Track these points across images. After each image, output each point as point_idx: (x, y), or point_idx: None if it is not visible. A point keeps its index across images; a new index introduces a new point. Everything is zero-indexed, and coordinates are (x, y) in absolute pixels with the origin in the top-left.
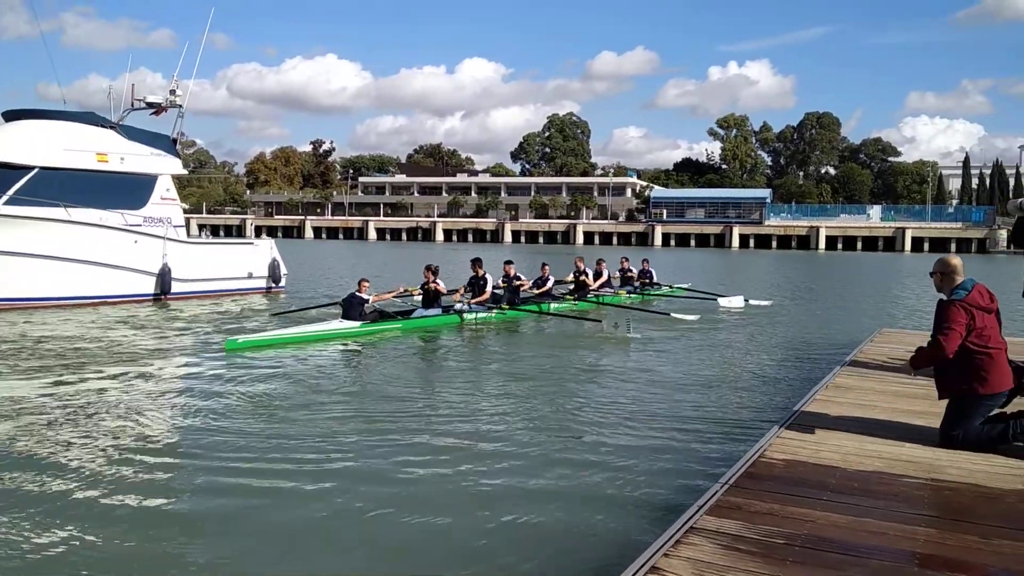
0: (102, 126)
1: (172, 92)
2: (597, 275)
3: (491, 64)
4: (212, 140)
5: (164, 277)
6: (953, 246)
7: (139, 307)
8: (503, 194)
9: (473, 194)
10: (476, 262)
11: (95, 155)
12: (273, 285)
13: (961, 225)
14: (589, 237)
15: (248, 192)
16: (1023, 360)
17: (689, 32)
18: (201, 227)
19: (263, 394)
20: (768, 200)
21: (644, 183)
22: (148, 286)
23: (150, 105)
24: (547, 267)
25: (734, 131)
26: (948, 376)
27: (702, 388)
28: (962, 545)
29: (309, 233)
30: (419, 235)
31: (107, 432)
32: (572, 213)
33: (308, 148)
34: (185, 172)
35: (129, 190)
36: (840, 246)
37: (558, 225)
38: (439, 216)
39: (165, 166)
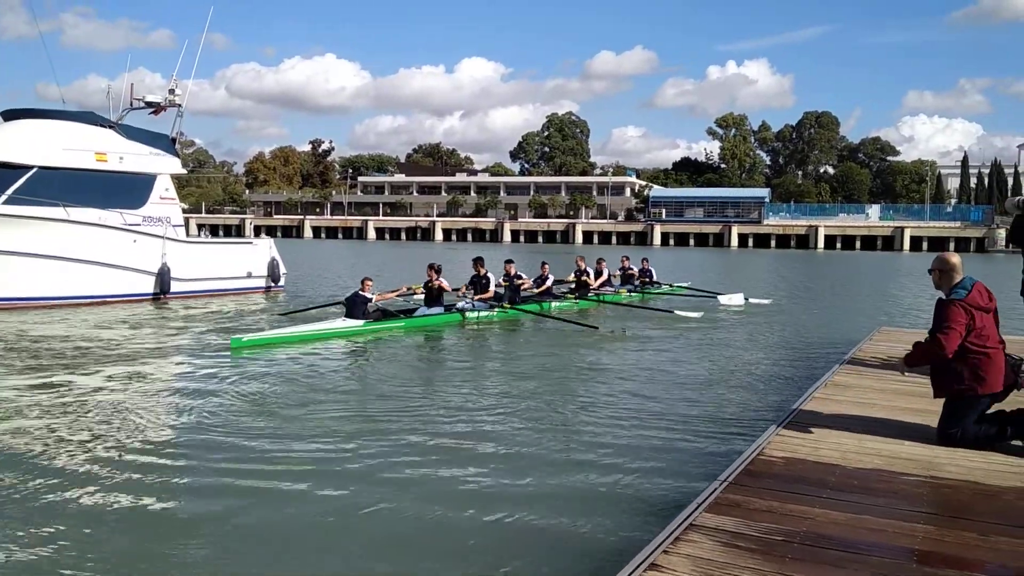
0: (101, 126)
1: (171, 92)
2: (598, 274)
3: (490, 64)
4: (211, 140)
5: (163, 277)
6: (952, 245)
7: (138, 307)
8: (502, 193)
9: (472, 193)
10: (478, 261)
11: (94, 154)
12: (272, 284)
13: (959, 224)
14: (588, 236)
15: (247, 192)
16: (1020, 356)
17: (688, 31)
18: (200, 227)
19: (267, 393)
20: (767, 199)
21: (643, 182)
22: (147, 286)
23: (149, 105)
24: (547, 266)
25: (733, 130)
26: (946, 376)
27: (701, 386)
28: (960, 542)
29: (308, 233)
30: (418, 235)
31: (109, 431)
32: (571, 212)
33: (307, 148)
34: (184, 172)
35: (128, 189)
36: (839, 245)
37: (557, 224)
38: (438, 216)
39: (164, 166)
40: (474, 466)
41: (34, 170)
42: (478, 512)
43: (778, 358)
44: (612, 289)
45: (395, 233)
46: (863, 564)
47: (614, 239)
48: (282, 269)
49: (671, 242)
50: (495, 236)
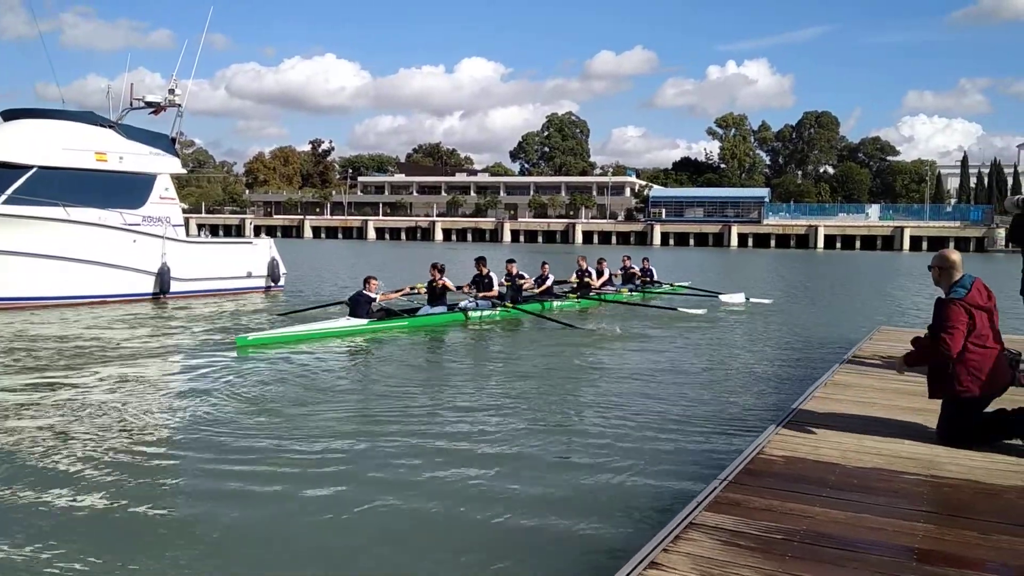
0: (101, 125)
1: (171, 91)
2: (599, 274)
3: (490, 64)
4: (211, 140)
5: (163, 276)
6: (951, 245)
7: (138, 307)
8: (502, 193)
9: (472, 193)
10: (480, 261)
11: (94, 154)
12: (272, 284)
13: (959, 224)
14: (588, 236)
15: (247, 192)
16: (1018, 351)
17: (687, 31)
18: (200, 227)
19: (272, 392)
20: (767, 199)
21: (643, 182)
22: (147, 285)
23: (149, 104)
24: (547, 266)
25: (733, 130)
26: (944, 378)
27: (701, 386)
28: (961, 541)
29: (308, 233)
30: (418, 234)
31: (112, 431)
32: (571, 212)
33: (307, 148)
34: (184, 171)
35: (128, 189)
36: (839, 245)
37: (557, 224)
38: (438, 215)
39: (164, 165)
40: (475, 465)
41: (34, 170)
42: (478, 511)
43: (778, 357)
44: (614, 289)
45: (395, 233)
46: (863, 563)
47: (614, 239)
48: (282, 269)
49: (671, 242)
50: (495, 236)
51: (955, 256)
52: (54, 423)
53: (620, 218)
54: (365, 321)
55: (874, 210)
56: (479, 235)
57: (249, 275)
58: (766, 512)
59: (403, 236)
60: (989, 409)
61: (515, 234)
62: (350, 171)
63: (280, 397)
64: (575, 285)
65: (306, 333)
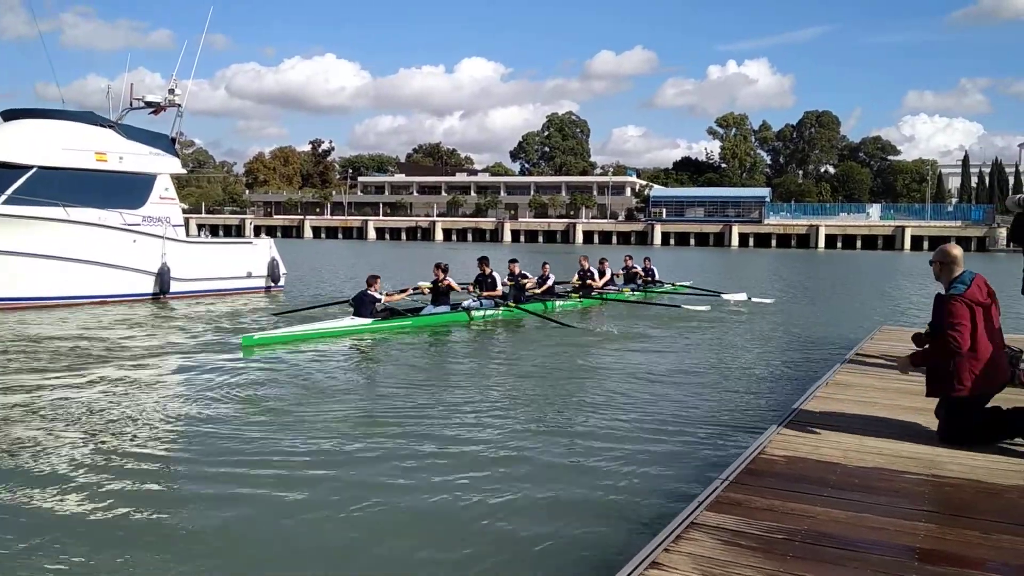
0: (101, 125)
1: (171, 91)
2: (601, 274)
3: (490, 64)
4: (211, 140)
5: (163, 276)
6: None
7: (138, 306)
8: (502, 193)
9: (472, 193)
10: (483, 260)
11: (94, 154)
12: (272, 284)
13: (960, 224)
14: (588, 236)
15: (247, 192)
16: (1019, 348)
17: (687, 31)
18: (200, 227)
19: (274, 391)
20: (767, 199)
21: (643, 182)
22: (147, 285)
23: (149, 104)
24: (547, 266)
25: (733, 130)
26: (944, 376)
27: (702, 385)
28: (962, 540)
29: (308, 233)
30: (418, 234)
31: (115, 431)
32: (571, 212)
33: (307, 148)
34: (184, 171)
35: (128, 189)
36: (839, 245)
37: (557, 224)
38: (438, 215)
39: (164, 165)
40: (477, 465)
41: (34, 170)
42: (480, 510)
43: (779, 357)
44: (616, 288)
45: (395, 233)
46: (864, 563)
47: (614, 239)
48: (282, 269)
49: (671, 242)
50: (495, 236)
51: (956, 251)
52: (55, 423)
53: (620, 218)
54: (369, 320)
55: (875, 210)
56: (479, 235)
57: (249, 275)
58: (767, 512)
59: (403, 236)
60: (989, 406)
61: (515, 234)
62: (350, 171)
63: (284, 396)
64: (577, 285)
65: (311, 332)
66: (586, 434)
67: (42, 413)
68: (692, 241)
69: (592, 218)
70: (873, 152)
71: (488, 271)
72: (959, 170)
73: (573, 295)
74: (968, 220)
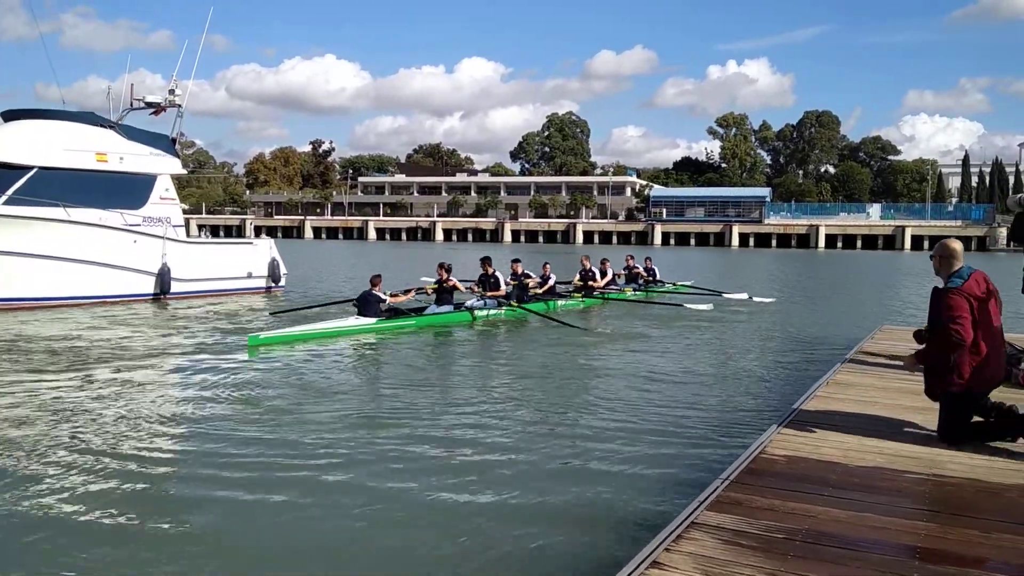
0: (101, 126)
1: (171, 92)
2: (602, 274)
3: (490, 64)
4: (212, 141)
5: (163, 277)
6: None
7: (139, 307)
8: (502, 193)
9: (473, 194)
10: (485, 260)
11: (94, 155)
12: (273, 285)
13: (961, 223)
14: (589, 236)
15: (248, 192)
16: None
17: (687, 31)
18: (201, 227)
19: (278, 391)
20: (768, 199)
21: (643, 182)
22: (147, 286)
23: (149, 105)
24: (548, 266)
25: (733, 130)
26: (944, 372)
27: (703, 385)
28: (963, 539)
29: (309, 233)
30: (419, 235)
31: (114, 432)
32: (572, 212)
33: (307, 148)
34: (184, 172)
35: (128, 190)
36: (840, 244)
37: (558, 224)
38: (439, 216)
39: (164, 166)
40: (479, 464)
41: (34, 170)
42: (481, 509)
43: (779, 357)
44: (617, 288)
45: (395, 233)
46: (865, 562)
47: (615, 239)
48: (282, 269)
49: (672, 242)
50: (495, 236)
51: (956, 245)
52: (55, 423)
53: (621, 218)
54: (373, 320)
55: (875, 209)
56: (479, 235)
57: (249, 275)
58: (768, 511)
59: (404, 236)
60: (990, 407)
61: (515, 234)
62: (350, 171)
63: (287, 396)
64: (579, 285)
65: (316, 332)
66: (587, 434)
67: (43, 413)
68: (692, 241)
69: (592, 218)
70: (873, 152)
71: (491, 271)
72: (959, 170)
73: (575, 295)
74: (968, 220)
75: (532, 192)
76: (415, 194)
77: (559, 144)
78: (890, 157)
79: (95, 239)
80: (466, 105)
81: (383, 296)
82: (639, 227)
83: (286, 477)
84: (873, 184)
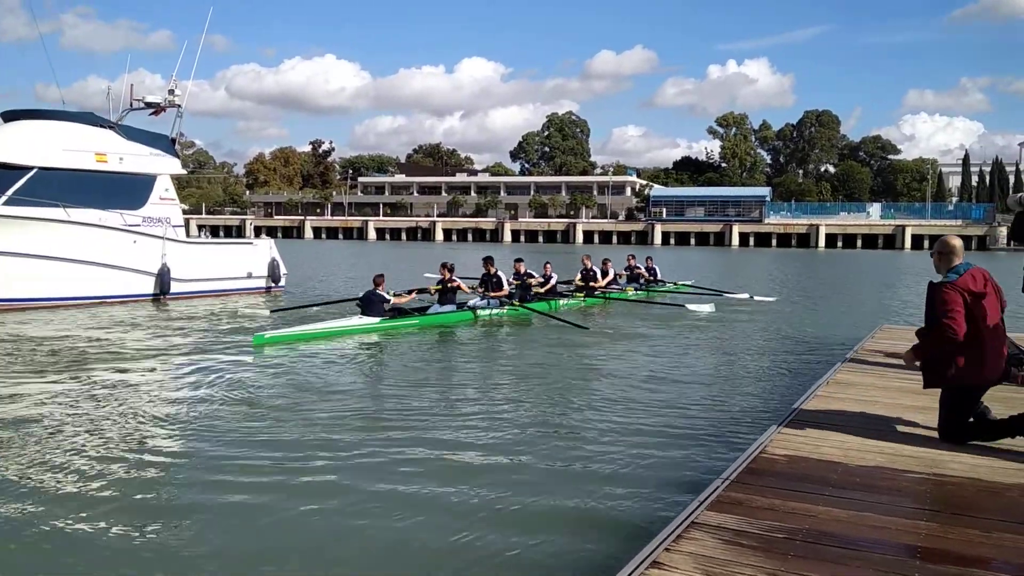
0: (101, 126)
1: (171, 92)
2: (604, 274)
3: (490, 64)
4: (211, 141)
5: (163, 277)
6: None
7: (139, 307)
8: (502, 193)
9: (472, 194)
10: (488, 260)
11: (94, 155)
12: (272, 285)
13: (961, 223)
14: (589, 236)
15: (248, 192)
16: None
17: (688, 31)
18: (200, 227)
19: (282, 392)
20: (768, 198)
21: (643, 182)
22: (147, 286)
23: (149, 105)
24: (549, 265)
25: (733, 129)
26: (939, 365)
27: (703, 384)
28: (963, 539)
29: (309, 233)
30: (419, 235)
31: (114, 432)
32: (571, 212)
33: (307, 148)
34: (184, 172)
35: (128, 190)
36: (840, 244)
37: (558, 224)
38: (439, 216)
39: (164, 166)
40: (480, 463)
41: (34, 171)
42: (481, 509)
43: (780, 356)
44: (619, 288)
45: (395, 233)
46: (866, 561)
47: (615, 238)
48: (282, 269)
49: (672, 241)
50: (495, 236)
51: (955, 242)
52: (56, 423)
53: (621, 218)
54: (377, 320)
55: (875, 209)
56: (479, 235)
57: (249, 276)
58: (768, 511)
59: (403, 236)
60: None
61: (515, 234)
62: (350, 172)
63: (290, 396)
64: (580, 285)
65: (320, 331)
66: (587, 433)
67: (43, 414)
68: (692, 241)
69: (592, 218)
70: (873, 151)
71: (493, 271)
72: (959, 169)
73: (577, 294)
74: (969, 219)
75: (532, 192)
76: (415, 194)
77: (559, 144)
78: (890, 156)
79: (95, 239)
80: (466, 105)
81: (387, 296)
82: (639, 227)
83: (287, 477)
84: (873, 183)
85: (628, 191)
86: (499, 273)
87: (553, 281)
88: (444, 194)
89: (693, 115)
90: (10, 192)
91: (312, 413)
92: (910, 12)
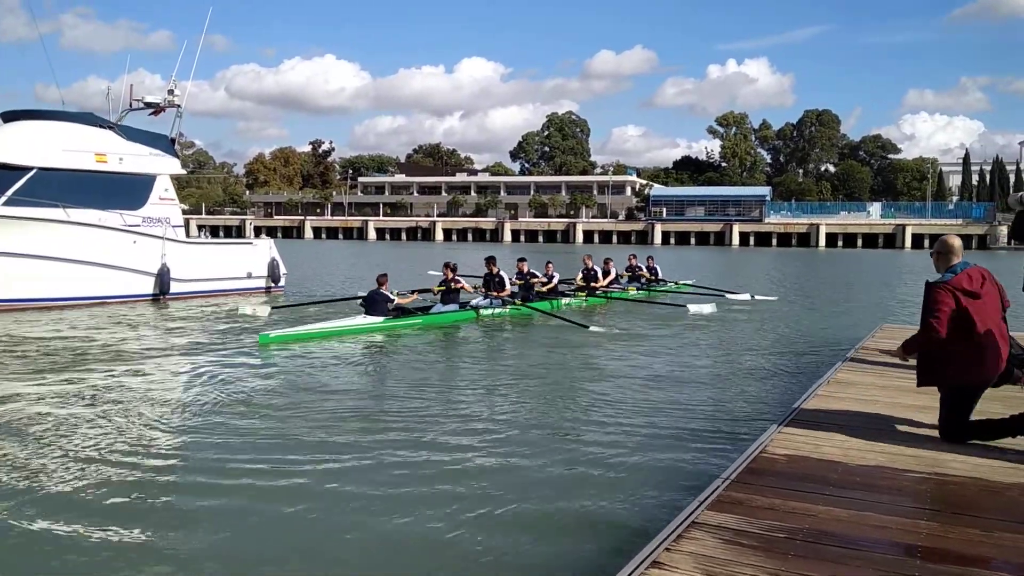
0: (101, 126)
1: (170, 92)
2: (605, 273)
3: (490, 64)
4: (211, 141)
5: (163, 277)
6: None
7: (138, 307)
8: (502, 193)
9: (472, 193)
10: (490, 260)
11: (94, 155)
12: (272, 285)
13: (961, 222)
14: (589, 236)
15: (247, 192)
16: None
17: (687, 31)
18: (200, 227)
19: (284, 390)
20: (768, 198)
21: (643, 181)
22: (147, 286)
23: (148, 105)
24: (551, 265)
25: (733, 129)
26: (932, 364)
27: (704, 384)
28: (964, 538)
29: (309, 233)
30: (419, 235)
31: (113, 432)
32: (571, 212)
33: (307, 148)
34: (184, 172)
35: (128, 190)
36: (840, 243)
37: (558, 224)
38: (439, 216)
39: (164, 166)
40: (480, 462)
41: (34, 171)
42: (481, 508)
43: (780, 356)
44: (620, 287)
45: (395, 233)
46: (866, 561)
47: (615, 238)
48: (282, 269)
49: (672, 241)
50: (495, 236)
51: (953, 241)
52: (56, 424)
53: (621, 217)
54: (381, 319)
55: (876, 208)
56: (479, 235)
57: (249, 276)
58: (769, 511)
59: (403, 236)
60: (981, 402)
61: (515, 234)
62: (350, 172)
63: (293, 395)
64: (581, 284)
65: (325, 330)
66: (588, 433)
67: (43, 414)
68: (692, 240)
69: (592, 218)
70: (873, 151)
71: (496, 270)
72: (960, 168)
73: (579, 294)
74: (969, 218)
75: (532, 192)
76: (415, 194)
77: (559, 144)
78: (890, 156)
79: (94, 240)
80: (466, 105)
81: (391, 295)
82: (639, 226)
83: (288, 477)
84: (873, 183)
85: (628, 191)
86: (501, 273)
87: (555, 280)
88: (444, 194)
89: (693, 115)
90: (10, 192)
91: (316, 413)
92: (909, 12)
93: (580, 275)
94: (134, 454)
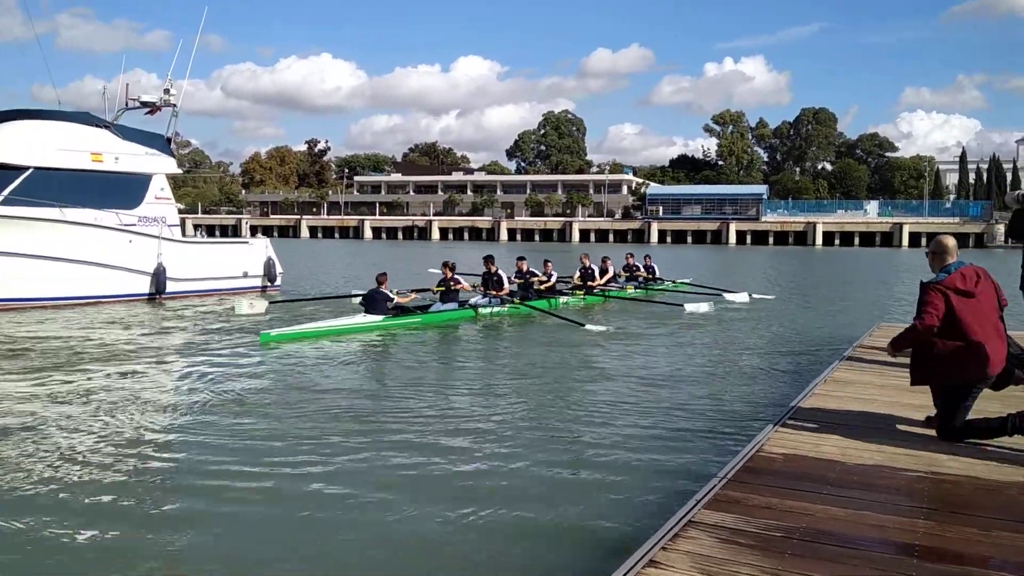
0: (97, 126)
1: (166, 91)
2: (603, 272)
3: (486, 62)
4: (207, 140)
5: (159, 276)
6: None
7: (134, 307)
8: (499, 192)
9: (469, 192)
10: (489, 259)
11: (90, 155)
12: (269, 284)
13: (958, 220)
14: (585, 234)
15: (243, 192)
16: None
17: (684, 29)
18: (196, 227)
19: (287, 390)
20: (765, 196)
21: (640, 180)
22: (143, 286)
23: (144, 104)
24: (549, 264)
25: (730, 127)
26: (924, 362)
27: (701, 383)
28: (961, 537)
29: (305, 232)
30: (415, 234)
31: (112, 432)
32: (568, 211)
33: (303, 148)
34: (180, 171)
35: (124, 190)
36: (837, 242)
37: (554, 223)
38: (435, 214)
39: (160, 165)
40: (477, 462)
41: (30, 171)
42: (478, 508)
43: (777, 354)
44: (618, 286)
45: (392, 232)
46: (864, 560)
47: (611, 237)
48: (278, 269)
49: (668, 239)
50: (492, 235)
51: (947, 241)
52: (54, 425)
53: (617, 216)
54: (380, 318)
55: (873, 207)
56: (476, 234)
57: (245, 275)
58: (766, 510)
59: (400, 235)
60: (980, 402)
61: (512, 233)
62: (346, 171)
63: (293, 395)
64: (579, 283)
65: (325, 329)
66: (585, 432)
67: (41, 415)
68: (689, 239)
69: (588, 216)
70: (870, 149)
71: (494, 269)
72: (957, 166)
73: (577, 292)
74: (966, 216)
75: (528, 190)
76: (411, 193)
77: (555, 142)
78: (887, 154)
79: (90, 239)
80: (462, 104)
81: (390, 294)
82: (636, 225)
83: (288, 477)
84: (870, 181)
85: (624, 189)
86: (500, 272)
87: (553, 279)
88: (440, 193)
89: (689, 113)
90: (6, 192)
91: (316, 412)
92: (906, 10)
93: (577, 274)
94: (133, 454)
